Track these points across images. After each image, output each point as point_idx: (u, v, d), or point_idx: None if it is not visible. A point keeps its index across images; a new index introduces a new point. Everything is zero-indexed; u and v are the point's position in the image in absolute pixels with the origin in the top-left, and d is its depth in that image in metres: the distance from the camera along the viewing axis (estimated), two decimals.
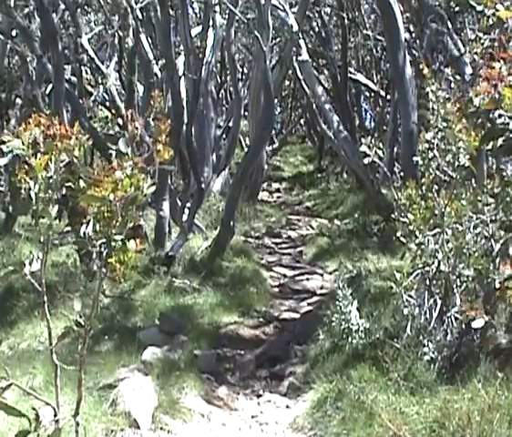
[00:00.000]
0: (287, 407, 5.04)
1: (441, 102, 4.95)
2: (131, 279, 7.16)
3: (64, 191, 2.64)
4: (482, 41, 4.23)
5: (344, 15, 14.52)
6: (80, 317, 2.76)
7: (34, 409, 2.76)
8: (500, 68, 3.43)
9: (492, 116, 3.40)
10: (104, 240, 2.63)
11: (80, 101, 10.66)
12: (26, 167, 2.60)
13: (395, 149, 12.79)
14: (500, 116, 3.38)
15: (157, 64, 10.44)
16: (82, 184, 2.60)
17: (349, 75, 14.87)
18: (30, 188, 2.62)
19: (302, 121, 25.12)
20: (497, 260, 4.53)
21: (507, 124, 3.34)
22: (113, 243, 2.62)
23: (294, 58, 12.01)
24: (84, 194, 2.57)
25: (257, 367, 5.83)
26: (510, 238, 4.52)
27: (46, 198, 2.64)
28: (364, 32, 16.18)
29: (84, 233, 2.63)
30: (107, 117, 14.05)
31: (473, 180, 4.96)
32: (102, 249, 2.65)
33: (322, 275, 8.66)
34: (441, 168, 4.98)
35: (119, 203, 2.59)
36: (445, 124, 4.85)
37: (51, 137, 2.60)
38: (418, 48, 11.39)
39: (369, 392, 4.38)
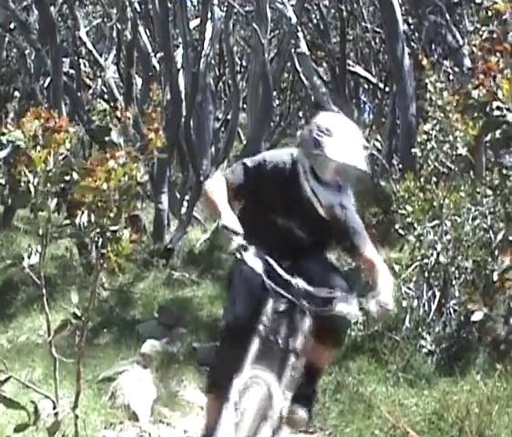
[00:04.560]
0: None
1: (439, 93, 4.95)
2: (130, 272, 7.16)
3: (62, 184, 2.64)
4: (481, 33, 4.21)
5: (343, 7, 14.48)
6: (78, 309, 2.76)
7: (33, 402, 2.77)
8: (498, 61, 3.42)
9: (489, 109, 3.40)
10: (98, 231, 2.62)
11: (78, 94, 10.63)
12: (26, 159, 2.60)
13: (394, 141, 12.78)
14: (498, 108, 3.38)
15: (155, 56, 10.44)
16: (75, 176, 2.59)
17: (347, 67, 14.81)
18: (29, 181, 2.62)
19: (300, 113, 25.01)
20: (496, 252, 4.53)
21: (505, 115, 3.33)
22: (107, 233, 2.61)
23: (293, 51, 11.97)
24: (78, 186, 2.56)
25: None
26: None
27: (44, 191, 2.64)
28: (363, 24, 16.13)
29: (79, 224, 2.62)
30: (105, 110, 14.00)
31: (471, 172, 4.96)
32: (97, 240, 2.65)
33: None
34: (439, 160, 4.97)
35: (113, 192, 2.58)
36: (443, 115, 4.84)
37: (50, 130, 2.60)
38: (417, 40, 11.36)
39: (368, 384, 4.38)
